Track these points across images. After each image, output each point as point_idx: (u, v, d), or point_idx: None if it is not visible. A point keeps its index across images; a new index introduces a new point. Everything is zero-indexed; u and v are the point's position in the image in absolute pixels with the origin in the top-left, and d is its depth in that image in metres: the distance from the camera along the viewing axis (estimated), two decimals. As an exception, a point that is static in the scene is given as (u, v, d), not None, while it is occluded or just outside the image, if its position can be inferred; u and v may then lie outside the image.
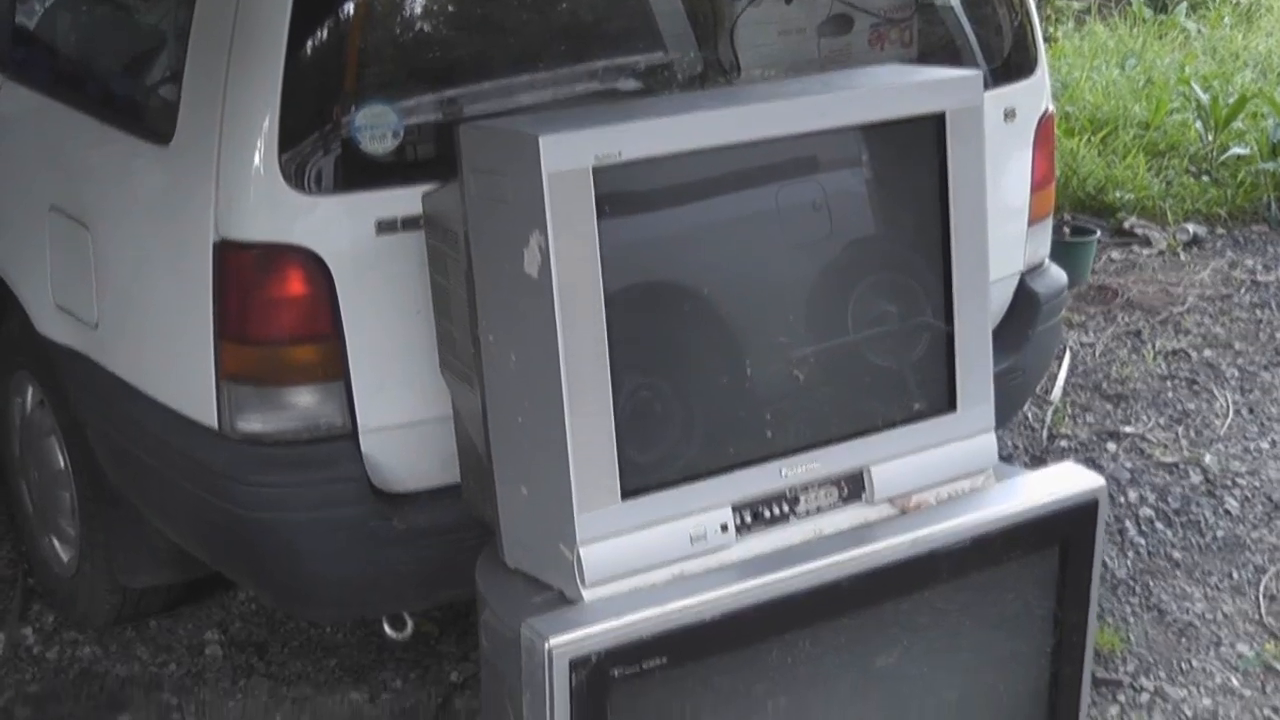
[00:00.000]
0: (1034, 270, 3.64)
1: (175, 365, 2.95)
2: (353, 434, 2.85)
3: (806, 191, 2.59)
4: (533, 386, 2.39)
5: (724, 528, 2.50)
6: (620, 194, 2.35)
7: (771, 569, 2.49)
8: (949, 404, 2.70)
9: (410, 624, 3.10)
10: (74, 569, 3.65)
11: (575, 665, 2.31)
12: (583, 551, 2.39)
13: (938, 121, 2.61)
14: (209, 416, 2.86)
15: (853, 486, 2.64)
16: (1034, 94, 3.54)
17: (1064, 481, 2.78)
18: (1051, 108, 3.65)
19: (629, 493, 2.41)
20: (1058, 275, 3.74)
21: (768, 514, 2.55)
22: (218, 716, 3.42)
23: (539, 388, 2.37)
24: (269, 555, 2.91)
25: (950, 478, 2.72)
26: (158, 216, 2.96)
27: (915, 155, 2.64)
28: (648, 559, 2.46)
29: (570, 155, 2.30)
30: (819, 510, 2.61)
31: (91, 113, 3.24)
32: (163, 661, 3.62)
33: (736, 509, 2.52)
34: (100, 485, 3.38)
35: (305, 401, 2.84)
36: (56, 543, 3.73)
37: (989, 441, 2.76)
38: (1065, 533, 2.74)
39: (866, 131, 2.62)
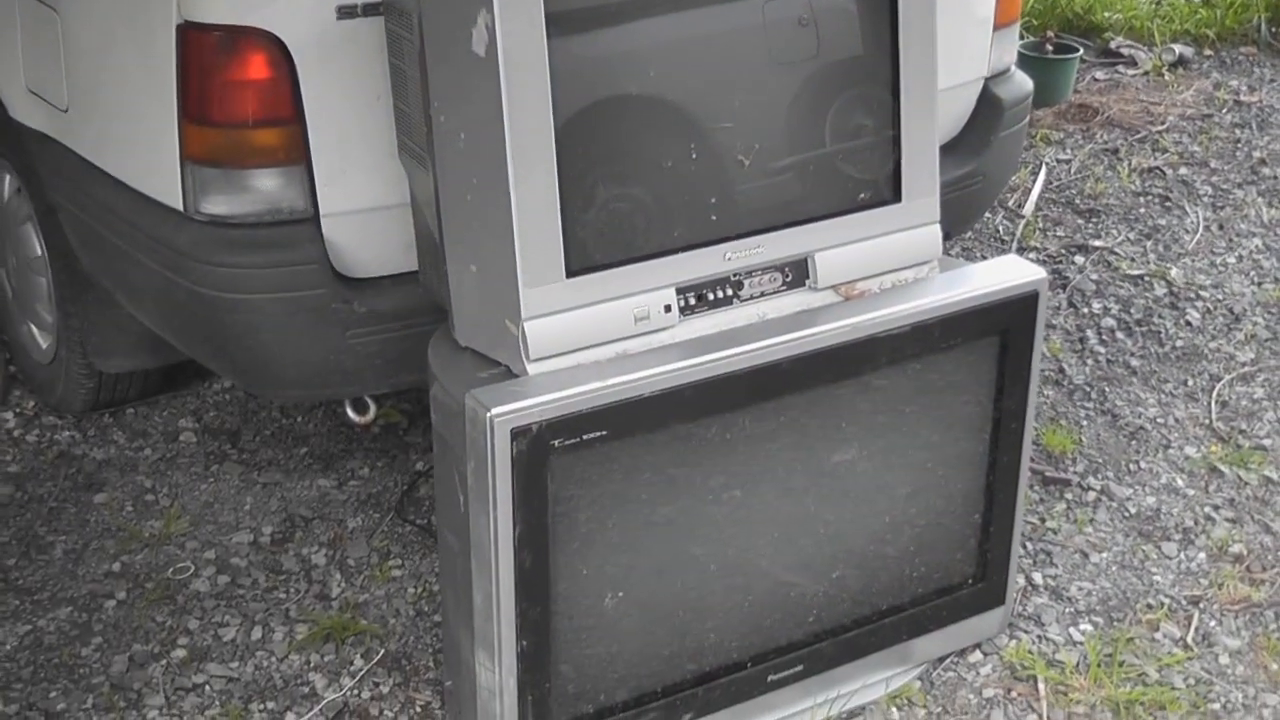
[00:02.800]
0: (998, 76, 3.66)
1: (141, 148, 3.00)
2: (314, 218, 2.90)
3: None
4: (481, 165, 2.45)
5: (667, 308, 2.57)
6: (567, -26, 2.39)
7: (712, 349, 2.57)
8: (894, 194, 2.75)
9: (372, 407, 3.19)
10: (51, 355, 3.75)
11: (516, 434, 2.40)
12: (527, 327, 2.47)
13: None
14: (174, 198, 2.91)
15: (796, 273, 2.70)
16: None
17: (1006, 272, 2.84)
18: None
19: (574, 271, 2.47)
20: (1022, 82, 3.76)
21: (711, 297, 2.62)
22: (190, 498, 3.54)
23: (486, 166, 2.42)
24: (232, 335, 2.99)
25: (894, 267, 2.78)
26: (122, -1, 3.00)
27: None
28: (591, 336, 2.53)
29: (515, -68, 2.33)
30: (762, 295, 2.67)
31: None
32: (138, 446, 3.73)
33: (680, 291, 2.58)
34: (74, 270, 3.46)
35: (267, 185, 2.89)
36: (35, 330, 3.82)
37: (933, 233, 2.81)
38: (1006, 323, 2.81)
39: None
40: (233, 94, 2.83)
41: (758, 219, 2.64)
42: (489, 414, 2.39)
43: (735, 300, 2.65)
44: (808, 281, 2.71)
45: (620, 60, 2.53)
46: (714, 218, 2.60)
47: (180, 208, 2.91)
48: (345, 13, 2.81)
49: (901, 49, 2.69)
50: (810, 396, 2.69)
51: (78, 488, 3.58)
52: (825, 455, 2.77)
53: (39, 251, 3.64)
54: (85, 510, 3.50)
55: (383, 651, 3.07)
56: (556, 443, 2.44)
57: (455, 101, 2.49)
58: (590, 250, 2.49)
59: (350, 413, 3.18)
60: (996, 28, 3.59)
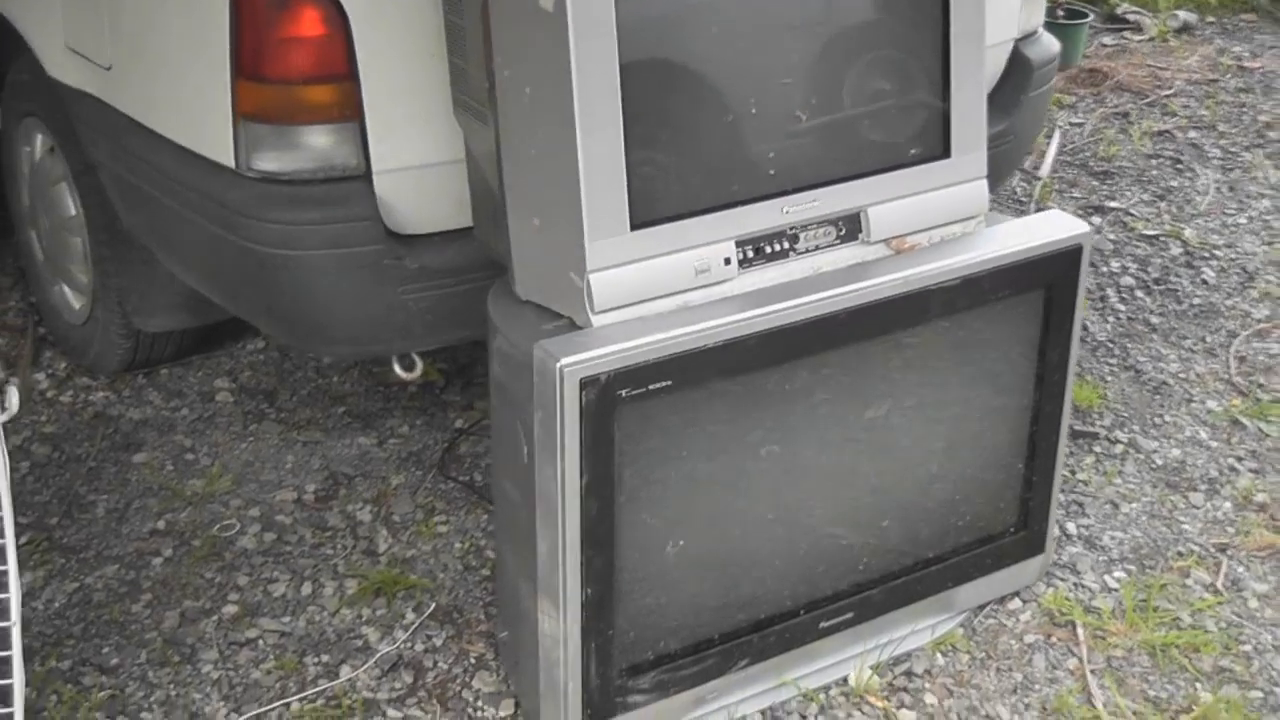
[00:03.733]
0: (1027, 38, 3.71)
1: (191, 105, 3.02)
2: (366, 175, 2.93)
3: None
4: (546, 119, 2.48)
5: (727, 261, 2.61)
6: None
7: (771, 301, 2.61)
8: (944, 150, 2.79)
9: (420, 364, 3.22)
10: (86, 315, 3.77)
11: (585, 384, 2.44)
12: (592, 279, 2.50)
13: None
14: (225, 155, 2.93)
15: (850, 227, 2.74)
16: None
17: (1051, 227, 2.89)
18: None
19: (638, 224, 2.51)
20: (1050, 43, 3.81)
21: (769, 250, 2.66)
22: (230, 457, 3.57)
23: (553, 119, 2.46)
24: (285, 291, 3.02)
25: (943, 222, 2.83)
26: (173, -45, 3.01)
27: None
28: (654, 289, 2.57)
29: (586, -112, 2.36)
30: (817, 249, 2.72)
31: None
32: (175, 407, 3.76)
33: (740, 244, 2.62)
34: (113, 229, 3.48)
35: (320, 141, 2.92)
36: (68, 290, 3.84)
37: (980, 189, 2.86)
38: (1051, 276, 2.86)
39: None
40: (288, 50, 2.86)
41: (814, 173, 2.68)
42: (558, 364, 2.42)
43: (791, 253, 2.69)
44: (860, 235, 2.75)
45: (683, 16, 2.56)
46: (772, 172, 2.64)
47: (232, 164, 2.93)
48: (399, -31, 2.85)
49: (953, 8, 2.73)
50: (863, 349, 2.74)
51: (116, 448, 3.61)
52: (875, 408, 2.82)
53: (74, 211, 3.66)
54: (125, 470, 3.53)
55: (434, 605, 3.11)
56: (623, 392, 2.48)
57: (520, 56, 2.52)
58: (653, 203, 2.52)
59: (397, 369, 3.21)
60: (1028, -12, 3.65)
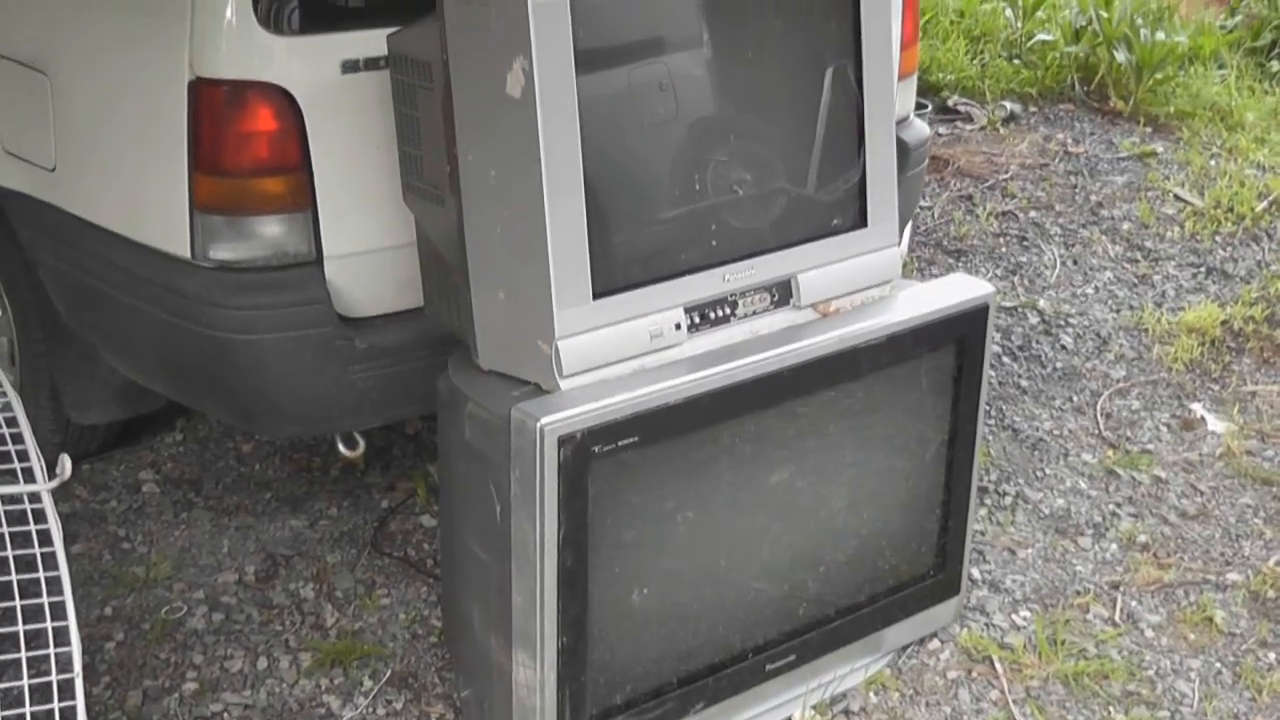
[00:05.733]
0: (902, 122, 3.99)
1: (145, 200, 3.13)
2: (318, 260, 3.07)
3: (751, 32, 2.89)
4: (513, 198, 2.65)
5: (678, 326, 2.80)
6: (593, 23, 2.62)
7: (722, 361, 2.81)
8: (862, 220, 3.03)
9: (362, 443, 3.34)
10: (11, 414, 3.81)
11: (563, 442, 2.61)
12: (560, 345, 2.68)
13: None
14: (181, 247, 3.05)
15: (782, 293, 2.95)
16: (902, -38, 3.88)
17: (959, 288, 3.15)
18: (917, -26, 4.00)
19: (599, 293, 2.69)
20: (921, 128, 4.11)
21: (713, 315, 2.86)
22: (166, 544, 3.64)
23: (519, 199, 2.63)
24: (239, 375, 3.13)
25: (862, 286, 3.06)
26: (126, 59, 3.12)
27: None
28: (614, 353, 2.74)
29: (552, -14, 2.56)
30: (754, 313, 2.92)
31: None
32: (103, 499, 3.82)
33: (688, 310, 2.82)
34: (50, 326, 3.55)
35: (274, 230, 3.05)
36: (-9, 390, 3.88)
37: (894, 255, 3.10)
38: (962, 332, 3.11)
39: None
40: (244, 144, 2.99)
41: (750, 243, 2.90)
42: (538, 424, 2.59)
43: (732, 318, 2.89)
44: (791, 300, 2.96)
45: (634, 100, 2.76)
46: (714, 243, 2.85)
47: (188, 255, 3.05)
48: (349, 66, 3.01)
49: (866, 95, 2.98)
50: (800, 404, 2.95)
51: (47, 541, 3.64)
52: (812, 458, 3.03)
53: (1, 313, 3.71)
54: (62, 561, 3.57)
55: (389, 671, 3.22)
56: (596, 449, 2.65)
57: (485, 141, 2.69)
58: (613, 274, 2.71)
59: (341, 447, 3.32)
60: (900, 78, 3.92)
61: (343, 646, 3.27)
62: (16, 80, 3.36)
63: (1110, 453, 4.10)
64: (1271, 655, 3.36)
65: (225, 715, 3.10)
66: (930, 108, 6.13)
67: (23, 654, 2.36)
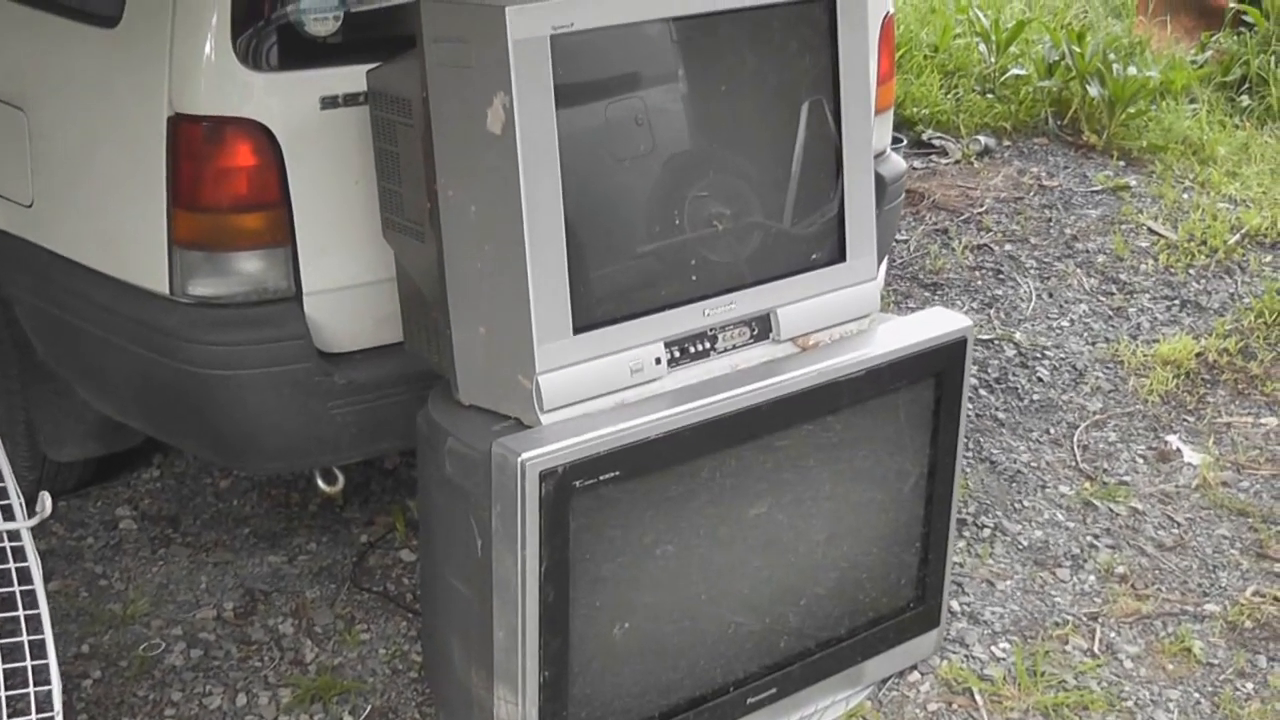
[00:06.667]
0: (879, 157, 4.01)
1: (124, 236, 3.12)
2: (297, 296, 3.07)
3: (728, 67, 2.90)
4: (493, 234, 2.66)
5: (658, 361, 2.81)
6: (572, 60, 2.63)
7: (702, 395, 2.82)
8: (841, 254, 3.05)
9: (340, 478, 3.33)
10: (-12, 451, 3.79)
11: (544, 477, 2.61)
12: (541, 380, 2.68)
13: (829, 2, 2.95)
14: (160, 283, 3.05)
15: (761, 327, 2.96)
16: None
17: (938, 321, 3.16)
18: (892, 10, 4.02)
19: (580, 328, 2.70)
20: (898, 162, 4.13)
21: (693, 349, 2.87)
22: (144, 581, 3.63)
23: (500, 234, 2.64)
24: (218, 410, 3.12)
25: (841, 320, 3.07)
26: (104, 95, 3.12)
27: (812, 33, 2.96)
28: (595, 388, 2.75)
29: (532, 24, 2.56)
30: (734, 347, 2.93)
31: (24, 0, 3.38)
32: (80, 536, 3.80)
33: (668, 344, 2.83)
34: (25, 363, 3.54)
35: (253, 266, 3.05)
36: (-34, 427, 3.86)
37: (873, 289, 3.12)
38: (941, 365, 3.12)
39: (773, 9, 2.92)
40: (223, 180, 3.00)
41: (730, 278, 2.91)
42: (519, 459, 2.59)
43: (712, 353, 2.90)
44: (771, 335, 2.98)
45: (613, 135, 2.77)
46: (694, 277, 2.86)
47: (166, 291, 3.05)
48: (328, 103, 3.01)
49: (844, 132, 3.00)
50: (780, 437, 2.95)
51: (24, 579, 3.63)
52: (791, 492, 3.03)
53: (-25, 349, 3.71)
54: (37, 599, 3.55)
55: (369, 707, 3.21)
56: (578, 483, 2.65)
57: (465, 177, 2.70)
58: (594, 309, 2.73)
59: (320, 483, 3.32)
60: (876, 113, 3.94)
61: (322, 682, 3.26)
62: (-7, 117, 3.37)
63: (1087, 484, 4.11)
64: (1249, 685, 3.37)
65: (204, 753, 3.09)
66: (905, 142, 6.16)
67: (1, 693, 2.34)
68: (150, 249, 3.05)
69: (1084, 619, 3.58)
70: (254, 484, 3.99)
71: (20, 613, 2.48)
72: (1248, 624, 3.57)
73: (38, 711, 2.33)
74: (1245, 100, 7.05)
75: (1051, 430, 4.39)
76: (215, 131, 2.96)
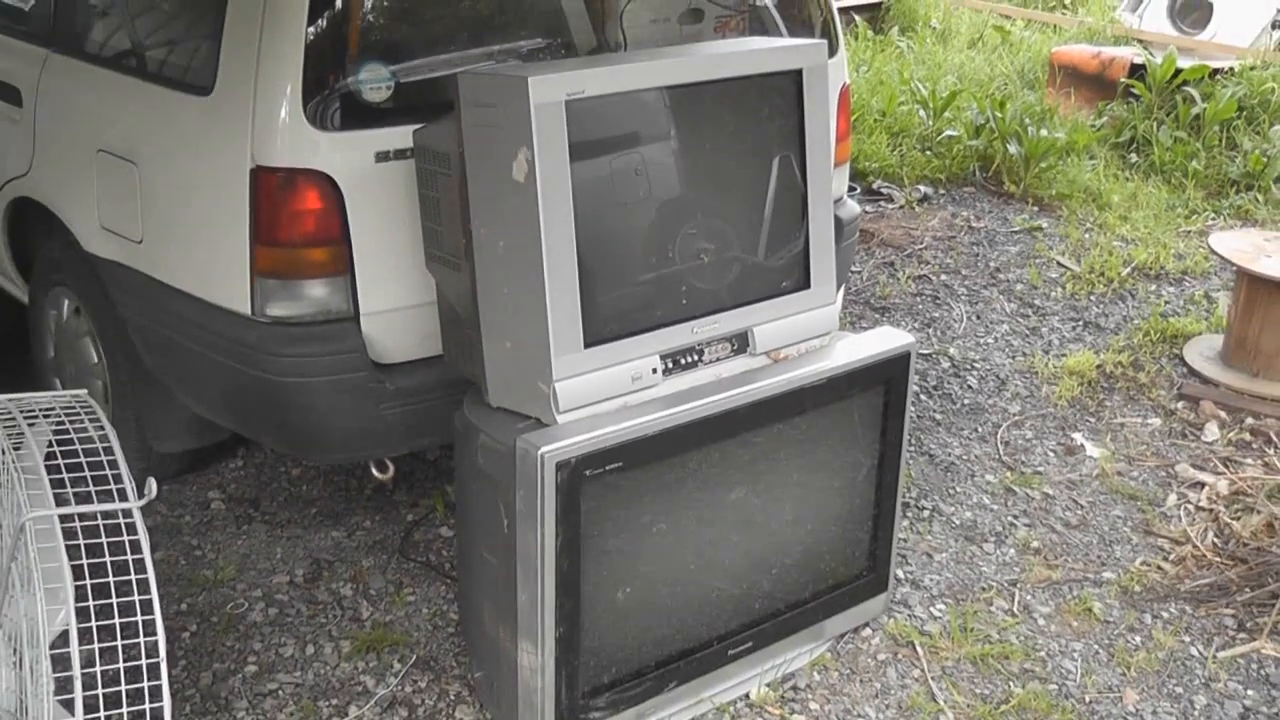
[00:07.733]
0: (837, 201, 3.95)
1: (215, 267, 3.08)
2: (355, 317, 3.03)
3: (712, 128, 2.85)
4: (518, 265, 2.61)
5: (654, 370, 2.76)
6: (583, 121, 2.59)
7: (691, 399, 2.77)
8: (806, 282, 3.00)
9: (391, 467, 3.29)
10: (103, 444, 3.74)
11: (560, 467, 2.56)
12: (557, 386, 2.64)
13: (797, 75, 2.91)
14: (243, 305, 3.01)
15: (741, 343, 2.92)
16: (837, 69, 3.85)
17: (886, 339, 3.10)
18: (848, 81, 3.98)
19: (590, 343, 2.65)
20: (853, 206, 4.08)
21: (684, 361, 2.82)
22: (230, 551, 3.57)
23: (523, 265, 2.60)
24: (291, 411, 3.08)
25: (806, 337, 3.02)
26: (199, 151, 3.08)
27: (782, 100, 2.92)
28: (601, 393, 2.70)
29: (550, 91, 2.52)
30: (718, 360, 2.88)
31: (135, 74, 3.33)
32: (179, 515, 3.75)
33: (663, 357, 2.78)
34: (134, 371, 3.49)
35: (319, 292, 3.01)
36: (86, 424, 3.81)
37: (833, 312, 3.06)
38: (889, 375, 3.07)
39: (750, 80, 2.88)
40: (295, 220, 2.96)
41: (714, 302, 2.86)
42: (540, 451, 2.54)
43: (700, 364, 2.85)
44: (749, 349, 2.92)
45: (615, 183, 2.72)
46: (684, 301, 2.81)
47: (249, 312, 3.01)
48: (381, 156, 2.97)
49: (808, 181, 2.95)
50: (755, 434, 2.90)
51: (135, 549, 3.57)
52: (765, 479, 2.98)
53: (96, 360, 3.65)
54: (145, 566, 3.50)
55: (414, 657, 3.15)
56: (588, 473, 2.60)
57: (494, 218, 2.65)
58: (601, 327, 2.68)
59: (374, 471, 3.27)
60: (836, 165, 3.89)
61: (376, 635, 3.20)
62: (112, 169, 3.31)
63: (1008, 474, 4.05)
64: (1138, 638, 3.32)
65: (280, 693, 3.03)
66: (859, 190, 6.10)
67: (119, 641, 2.34)
68: (235, 277, 3.01)
69: (1005, 585, 3.52)
70: (320, 472, 3.93)
71: (132, 577, 2.48)
72: (1137, 588, 3.51)
73: (147, 656, 2.33)
74: (1134, 157, 7.00)
75: (979, 429, 4.33)
76: (289, 180, 2.92)
